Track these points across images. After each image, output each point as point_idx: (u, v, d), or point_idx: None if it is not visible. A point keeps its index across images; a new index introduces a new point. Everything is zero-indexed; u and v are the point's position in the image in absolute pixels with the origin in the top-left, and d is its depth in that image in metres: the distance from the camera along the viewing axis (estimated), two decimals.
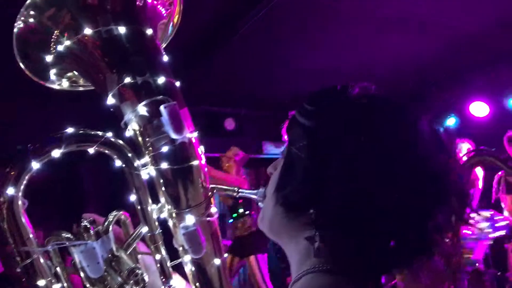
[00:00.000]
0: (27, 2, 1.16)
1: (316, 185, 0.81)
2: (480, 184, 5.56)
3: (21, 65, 1.24)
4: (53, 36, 1.18)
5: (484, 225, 5.09)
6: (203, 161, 1.20)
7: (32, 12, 1.15)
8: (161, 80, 1.14)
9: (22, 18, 1.16)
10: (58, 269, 1.11)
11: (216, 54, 5.73)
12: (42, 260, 1.05)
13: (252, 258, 5.64)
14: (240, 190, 1.21)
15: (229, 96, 7.20)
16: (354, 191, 0.78)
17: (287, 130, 0.90)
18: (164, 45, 1.35)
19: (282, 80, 4.43)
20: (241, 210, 5.80)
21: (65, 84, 1.34)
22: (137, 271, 1.16)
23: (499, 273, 6.22)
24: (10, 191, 0.98)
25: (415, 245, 0.82)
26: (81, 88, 1.37)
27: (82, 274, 1.14)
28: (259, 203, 1.06)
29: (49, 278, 1.08)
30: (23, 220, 1.02)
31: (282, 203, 0.86)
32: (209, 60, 5.93)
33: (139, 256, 1.25)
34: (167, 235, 1.24)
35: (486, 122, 7.15)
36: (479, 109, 7.27)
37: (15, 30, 1.17)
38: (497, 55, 6.22)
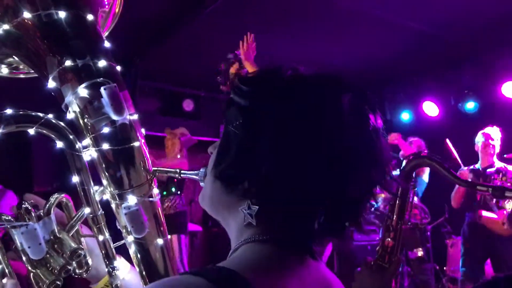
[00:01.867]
0: None
1: (249, 158, 0.86)
2: (426, 177, 5.75)
3: None
4: None
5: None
6: (143, 142, 1.22)
7: None
8: (101, 63, 1.16)
9: None
10: None
11: (179, 34, 5.68)
12: None
13: (174, 237, 5.66)
14: (182, 171, 1.24)
15: (189, 77, 7.17)
16: (282, 163, 0.84)
17: (225, 110, 0.94)
18: (106, 34, 1.35)
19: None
20: (173, 189, 5.82)
21: (4, 70, 1.32)
22: (79, 251, 1.17)
23: (437, 267, 6.57)
24: None
25: (341, 214, 0.90)
26: (22, 76, 1.36)
27: (24, 258, 1.15)
28: (201, 183, 1.09)
29: None
30: None
31: (219, 178, 0.91)
32: (171, 39, 5.88)
33: (82, 239, 1.27)
34: (110, 217, 1.26)
35: (437, 121, 7.40)
36: (430, 108, 7.47)
37: None
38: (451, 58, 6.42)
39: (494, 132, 5.32)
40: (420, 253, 5.38)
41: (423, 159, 3.25)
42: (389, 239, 3.29)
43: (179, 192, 5.87)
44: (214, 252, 7.89)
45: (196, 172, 1.15)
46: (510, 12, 5.55)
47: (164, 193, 5.76)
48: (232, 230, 0.95)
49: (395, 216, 3.36)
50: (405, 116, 7.95)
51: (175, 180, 5.72)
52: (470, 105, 7.01)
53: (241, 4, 5.16)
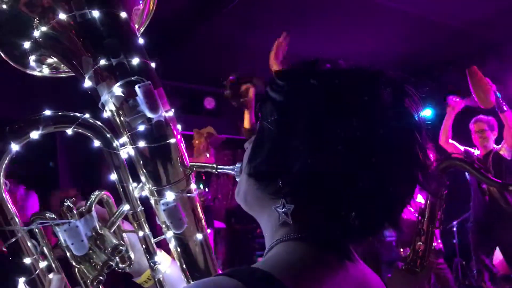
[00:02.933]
0: None
1: (283, 156, 0.84)
2: None
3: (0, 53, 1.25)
4: (28, 22, 1.19)
5: None
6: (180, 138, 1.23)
7: None
8: (135, 61, 1.17)
9: None
10: (44, 248, 1.15)
11: (199, 32, 5.71)
12: (27, 239, 1.09)
13: None
14: (218, 166, 1.25)
15: (210, 74, 7.18)
16: (319, 161, 0.81)
17: (260, 106, 0.93)
18: (141, 30, 1.37)
19: (264, 62, 4.46)
20: (201, 186, 5.87)
21: (45, 70, 1.35)
22: (120, 247, 1.20)
23: (464, 262, 6.50)
24: None
25: (378, 214, 0.86)
26: (63, 75, 1.39)
27: (67, 253, 1.18)
28: (236, 178, 1.09)
29: (35, 257, 1.11)
30: (6, 200, 1.05)
31: (252, 174, 0.90)
32: (191, 37, 5.91)
33: (124, 234, 1.29)
34: (150, 213, 1.27)
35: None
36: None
37: None
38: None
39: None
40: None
41: (454, 161, 3.20)
42: (420, 243, 3.24)
43: (206, 189, 5.92)
44: (237, 249, 7.91)
45: (232, 167, 1.16)
46: None
47: None
48: (266, 227, 0.94)
49: (426, 220, 3.31)
50: (428, 112, 7.78)
51: (203, 177, 5.76)
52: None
53: (261, 2, 5.15)
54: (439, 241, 5.26)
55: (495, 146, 5.29)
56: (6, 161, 1.03)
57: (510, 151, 5.10)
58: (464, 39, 6.33)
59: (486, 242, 5.20)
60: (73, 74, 1.25)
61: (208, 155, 5.90)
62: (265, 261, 0.84)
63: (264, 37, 5.68)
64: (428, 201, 3.34)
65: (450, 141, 5.54)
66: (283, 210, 0.87)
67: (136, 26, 1.31)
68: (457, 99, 5.53)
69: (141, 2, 1.33)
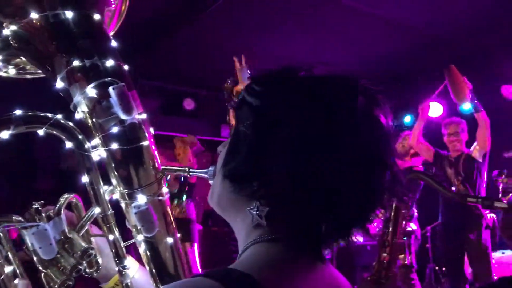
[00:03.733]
0: None
1: (259, 159, 0.86)
2: None
3: None
4: None
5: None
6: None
7: None
8: (109, 62, 1.16)
9: None
10: (9, 253, 1.13)
11: (180, 33, 5.68)
12: None
13: (188, 244, 5.78)
14: (191, 170, 1.24)
15: (190, 76, 7.17)
16: (293, 164, 0.83)
17: (236, 109, 0.94)
18: (112, 33, 1.35)
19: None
20: (184, 197, 5.89)
21: (12, 71, 1.33)
22: (90, 251, 1.18)
23: (437, 268, 6.62)
24: None
25: (350, 217, 0.88)
26: (28, 76, 1.36)
27: (34, 258, 1.15)
28: (210, 182, 1.09)
29: (0, 261, 1.09)
30: None
31: (228, 176, 0.90)
32: (172, 39, 5.88)
33: (92, 238, 1.27)
34: (120, 217, 1.26)
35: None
36: (434, 109, 7.39)
37: None
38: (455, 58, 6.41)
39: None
40: (404, 260, 5.31)
41: (416, 174, 3.28)
42: (385, 254, 3.31)
43: (189, 201, 5.93)
44: (213, 251, 7.90)
45: (205, 170, 1.15)
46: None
47: (176, 201, 5.82)
48: (240, 230, 0.95)
49: (390, 231, 3.38)
50: (407, 119, 7.87)
51: (186, 188, 5.78)
52: (467, 106, 6.94)
53: (242, 4, 5.15)
54: (412, 256, 5.31)
55: (466, 148, 5.36)
56: None
57: (481, 152, 5.18)
58: (440, 47, 6.44)
59: (455, 246, 5.27)
60: (41, 75, 1.23)
61: (189, 162, 5.91)
62: (241, 262, 0.85)
63: (244, 39, 5.70)
64: (392, 213, 3.40)
65: (421, 141, 5.62)
66: (257, 212, 0.88)
67: (108, 27, 1.30)
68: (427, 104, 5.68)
69: (113, 3, 1.32)
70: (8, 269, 1.11)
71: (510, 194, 4.69)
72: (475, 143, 5.27)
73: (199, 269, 5.94)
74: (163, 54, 6.21)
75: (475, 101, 5.10)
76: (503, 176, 4.82)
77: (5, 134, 1.04)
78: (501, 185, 4.79)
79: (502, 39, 6.36)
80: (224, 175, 0.92)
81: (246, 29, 5.59)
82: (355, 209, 0.88)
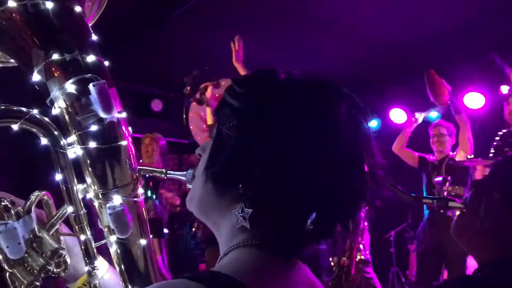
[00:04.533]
0: None
1: (244, 162, 0.86)
2: None
3: None
4: None
5: None
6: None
7: None
8: (90, 58, 1.12)
9: None
10: None
11: (149, 34, 5.63)
12: None
13: (155, 241, 5.70)
14: (168, 172, 1.22)
15: (158, 77, 7.10)
16: (278, 166, 0.84)
17: (217, 111, 0.93)
18: (91, 24, 1.32)
19: (212, 68, 4.48)
20: (149, 193, 5.83)
21: None
22: (60, 251, 1.14)
23: (400, 272, 6.75)
24: None
25: (332, 219, 0.91)
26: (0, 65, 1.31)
27: (0, 256, 1.11)
28: (188, 185, 1.08)
29: None
30: None
31: (212, 180, 0.90)
32: (141, 39, 5.82)
33: (62, 237, 1.24)
34: (91, 216, 1.23)
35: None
36: (398, 115, 7.56)
37: None
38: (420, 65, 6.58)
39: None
40: (360, 256, 5.34)
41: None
42: (345, 258, 3.36)
43: (155, 197, 5.85)
44: (179, 254, 7.83)
45: (183, 173, 1.14)
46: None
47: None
48: (223, 233, 0.94)
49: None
50: (374, 123, 8.06)
51: (151, 184, 5.72)
52: (434, 114, 7.12)
53: (211, 7, 5.15)
54: (367, 252, 5.35)
55: (451, 152, 5.39)
56: None
57: (464, 156, 5.20)
58: (406, 55, 6.59)
59: (433, 253, 5.32)
60: (11, 65, 1.18)
61: (155, 160, 5.85)
62: (224, 266, 0.85)
63: (214, 42, 5.70)
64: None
65: (405, 148, 5.68)
66: (241, 214, 0.87)
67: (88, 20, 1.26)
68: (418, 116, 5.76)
69: None
70: None
71: (465, 196, 4.75)
72: (458, 147, 5.31)
73: (165, 266, 5.86)
74: (131, 55, 6.13)
75: (456, 104, 5.18)
76: (447, 184, 4.82)
77: None
78: (446, 193, 4.74)
79: (464, 50, 6.57)
80: (207, 178, 0.91)
81: (216, 32, 5.58)
82: (338, 209, 0.89)
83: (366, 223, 5.22)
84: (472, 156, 5.20)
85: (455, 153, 5.36)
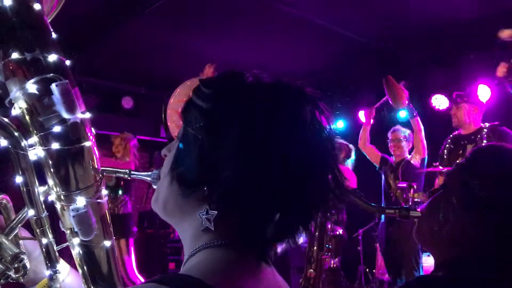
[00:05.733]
0: None
1: (210, 163, 0.86)
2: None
3: None
4: None
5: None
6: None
7: None
8: (52, 57, 1.10)
9: None
10: None
11: (119, 30, 5.56)
12: None
13: (122, 241, 5.66)
14: (132, 172, 1.21)
15: (129, 74, 7.00)
16: (244, 168, 0.84)
17: (183, 112, 0.93)
18: (49, 20, 1.29)
19: (183, 65, 4.45)
20: (120, 192, 5.77)
21: None
22: (21, 256, 1.12)
23: (367, 269, 6.86)
24: None
25: (297, 219, 0.92)
26: None
27: None
28: (153, 185, 1.07)
29: None
30: None
31: (177, 180, 0.89)
32: (111, 35, 5.74)
33: (20, 242, 1.21)
34: (52, 219, 1.20)
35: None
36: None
37: None
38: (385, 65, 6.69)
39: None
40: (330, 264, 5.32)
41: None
42: (311, 270, 3.39)
43: (125, 195, 5.78)
44: (149, 253, 7.77)
45: (148, 173, 1.12)
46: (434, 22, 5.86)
47: (111, 194, 5.65)
48: (187, 234, 0.94)
49: (315, 247, 3.46)
50: (340, 124, 8.12)
51: (122, 183, 5.64)
52: (402, 114, 7.20)
53: (181, 5, 5.11)
54: (338, 258, 5.37)
55: (408, 156, 5.59)
56: None
57: (419, 158, 5.42)
58: (378, 56, 6.69)
59: (391, 253, 5.44)
60: None
61: (128, 159, 5.78)
62: (191, 268, 0.85)
63: (184, 40, 5.66)
64: (317, 231, 3.49)
65: (368, 145, 5.82)
66: (206, 216, 0.87)
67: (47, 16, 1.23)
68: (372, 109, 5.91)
69: None
70: None
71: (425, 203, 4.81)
72: (414, 150, 5.52)
73: (135, 268, 5.81)
74: (101, 51, 6.04)
75: (411, 107, 5.35)
76: (412, 191, 4.90)
77: None
78: (411, 200, 4.84)
79: (433, 52, 6.69)
80: (173, 179, 0.90)
81: (186, 30, 5.54)
82: (301, 211, 0.90)
83: (340, 229, 5.29)
84: (425, 157, 5.44)
85: (411, 155, 5.56)
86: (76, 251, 1.22)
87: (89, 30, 5.16)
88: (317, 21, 5.62)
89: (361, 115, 7.75)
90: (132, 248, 5.79)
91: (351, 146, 5.83)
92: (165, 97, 4.33)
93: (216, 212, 0.87)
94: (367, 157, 5.91)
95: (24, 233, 1.21)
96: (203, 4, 5.11)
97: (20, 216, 1.15)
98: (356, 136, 6.07)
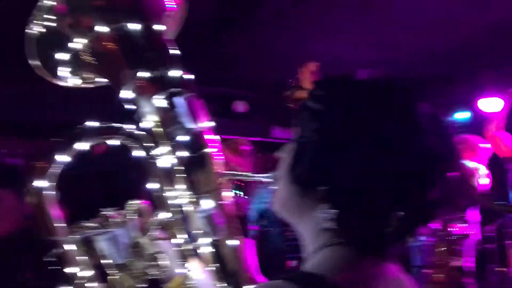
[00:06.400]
0: (40, 4, 1.22)
1: (326, 164, 0.86)
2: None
3: (33, 65, 1.29)
4: (68, 37, 1.23)
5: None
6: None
7: (45, 15, 1.21)
8: (176, 73, 1.19)
9: (36, 21, 1.21)
10: (85, 258, 1.18)
11: (229, 36, 5.73)
12: (71, 248, 1.12)
13: (243, 240, 5.76)
14: (252, 175, 1.26)
15: (241, 78, 7.19)
16: (360, 167, 0.83)
17: (298, 114, 0.95)
18: (173, 36, 1.39)
19: (295, 66, 4.46)
20: (239, 193, 5.90)
21: (77, 81, 1.39)
22: (158, 255, 1.23)
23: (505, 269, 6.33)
24: (40, 183, 1.04)
25: (417, 216, 0.89)
26: (91, 85, 1.42)
27: (106, 261, 1.21)
28: (272, 187, 1.11)
29: (77, 266, 1.15)
30: (53, 210, 1.08)
31: (294, 181, 0.91)
32: (221, 41, 5.92)
33: (158, 242, 1.32)
34: (185, 220, 1.29)
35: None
36: (488, 104, 7.01)
37: (29, 32, 1.22)
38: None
39: None
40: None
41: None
42: (439, 275, 3.20)
43: (244, 196, 5.96)
44: (267, 252, 7.91)
45: (267, 175, 1.17)
46: None
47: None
48: (306, 232, 0.95)
49: (442, 248, 3.27)
50: (461, 115, 7.61)
51: (242, 184, 5.83)
52: None
53: (294, 7, 5.14)
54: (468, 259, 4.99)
55: None
56: (55, 172, 1.07)
57: None
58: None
59: None
60: (102, 84, 1.28)
61: (244, 163, 5.95)
62: (314, 266, 0.86)
63: (296, 42, 5.68)
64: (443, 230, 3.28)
65: (496, 135, 5.23)
66: (325, 215, 0.88)
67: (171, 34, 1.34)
68: None
69: (169, 9, 1.35)
70: (84, 273, 1.16)
71: None
72: None
73: (255, 266, 5.97)
74: (213, 57, 6.27)
75: None
76: None
77: (80, 146, 1.09)
78: None
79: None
80: (290, 180, 0.92)
81: (298, 32, 5.56)
82: (421, 208, 0.88)
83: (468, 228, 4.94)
84: None
85: None
86: (206, 250, 1.30)
87: (199, 38, 5.38)
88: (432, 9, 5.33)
89: (481, 103, 7.22)
90: (252, 247, 5.94)
91: (476, 138, 5.39)
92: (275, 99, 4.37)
93: (335, 211, 0.87)
94: (492, 149, 5.31)
95: (161, 234, 1.32)
96: (317, 7, 5.08)
97: (156, 219, 1.26)
98: (477, 126, 5.59)
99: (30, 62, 1.28)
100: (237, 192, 5.85)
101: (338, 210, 0.87)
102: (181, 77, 1.19)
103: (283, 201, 0.98)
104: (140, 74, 1.17)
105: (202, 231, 1.25)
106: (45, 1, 1.20)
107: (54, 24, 1.22)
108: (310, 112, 0.91)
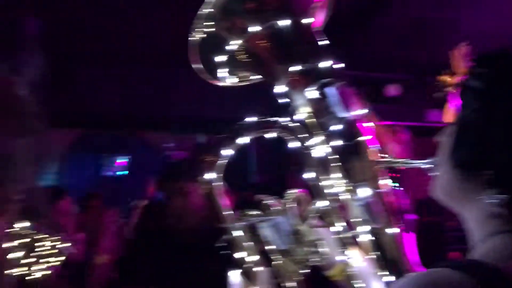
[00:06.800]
0: (200, 13, 1.34)
1: (493, 146, 0.82)
2: None
3: (197, 69, 1.42)
4: (224, 39, 1.34)
5: None
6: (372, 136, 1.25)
7: (205, 22, 1.33)
8: (325, 64, 1.22)
9: (199, 28, 1.33)
10: (251, 243, 1.28)
11: (379, 18, 5.59)
12: (239, 235, 1.23)
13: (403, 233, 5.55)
14: (410, 162, 1.23)
15: (393, 61, 6.95)
16: None
17: (460, 95, 0.91)
18: (323, 27, 1.41)
19: (449, 44, 4.17)
20: (394, 182, 5.70)
21: (234, 80, 1.49)
22: (318, 242, 1.27)
23: None
24: (210, 175, 1.16)
25: None
26: (247, 83, 1.52)
27: (270, 247, 1.29)
28: (431, 173, 1.07)
29: (244, 251, 1.25)
30: (222, 200, 1.19)
31: (457, 165, 0.88)
32: (371, 24, 5.81)
33: (316, 229, 1.36)
34: (342, 209, 1.32)
35: None
36: None
37: (194, 39, 1.35)
38: None
39: None
40: None
41: None
42: None
43: (399, 185, 5.81)
44: (427, 242, 7.55)
45: (425, 161, 1.13)
46: None
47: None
48: (471, 219, 0.91)
49: None
50: None
51: (398, 175, 5.70)
52: None
53: None
54: None
55: None
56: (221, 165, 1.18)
57: None
58: None
59: None
60: (255, 81, 1.35)
61: (399, 151, 5.80)
62: (484, 254, 0.82)
63: (448, 19, 5.31)
64: None
65: None
66: (494, 201, 0.83)
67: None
68: None
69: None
70: (251, 257, 1.25)
71: None
72: None
73: (414, 256, 5.77)
74: (363, 40, 6.14)
75: None
76: None
77: (242, 140, 1.19)
78: None
79: None
80: (452, 164, 0.89)
81: (448, 7, 5.20)
82: None
83: None
84: None
85: None
86: (365, 238, 1.31)
87: (349, 23, 5.31)
88: None
89: None
90: (411, 240, 5.74)
91: None
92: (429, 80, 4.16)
93: (504, 196, 0.82)
94: None
95: (319, 222, 1.36)
96: None
97: (314, 207, 1.30)
98: None
99: (194, 66, 1.41)
100: (393, 184, 5.69)
101: (508, 195, 0.82)
102: (331, 67, 1.22)
103: (445, 187, 0.95)
104: (292, 68, 1.22)
105: (361, 219, 1.26)
106: (203, 10, 1.31)
107: (212, 29, 1.32)
108: (471, 91, 0.87)
